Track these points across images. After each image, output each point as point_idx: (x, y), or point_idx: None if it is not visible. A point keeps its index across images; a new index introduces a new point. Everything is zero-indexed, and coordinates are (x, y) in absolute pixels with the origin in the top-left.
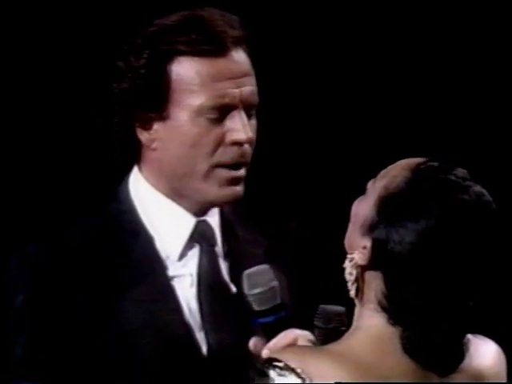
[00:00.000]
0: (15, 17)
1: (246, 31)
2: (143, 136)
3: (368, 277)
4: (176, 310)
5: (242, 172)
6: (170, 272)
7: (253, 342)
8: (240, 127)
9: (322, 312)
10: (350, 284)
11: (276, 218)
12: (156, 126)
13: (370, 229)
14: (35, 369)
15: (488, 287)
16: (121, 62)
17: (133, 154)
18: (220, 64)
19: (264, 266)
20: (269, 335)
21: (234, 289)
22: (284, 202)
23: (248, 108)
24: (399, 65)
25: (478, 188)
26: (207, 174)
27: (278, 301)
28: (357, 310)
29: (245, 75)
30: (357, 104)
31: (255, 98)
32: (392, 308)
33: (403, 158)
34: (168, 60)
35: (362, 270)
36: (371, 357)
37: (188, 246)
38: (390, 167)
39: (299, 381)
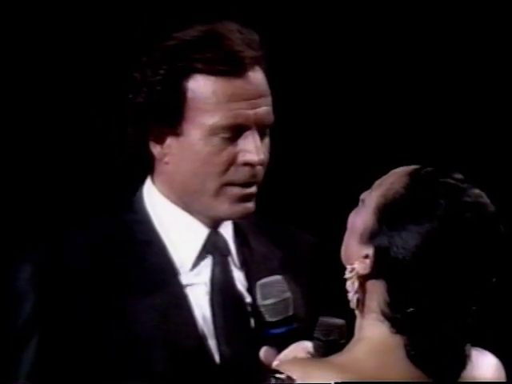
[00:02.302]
0: (26, 25)
1: (264, 50)
2: (156, 149)
3: (369, 286)
4: (189, 318)
5: (253, 189)
6: (184, 280)
7: (263, 352)
8: (253, 149)
9: (322, 324)
10: (351, 295)
11: (289, 230)
12: (169, 140)
13: (371, 237)
14: (46, 373)
15: (491, 291)
16: (137, 73)
17: (146, 165)
18: (236, 84)
19: (277, 277)
20: (280, 346)
21: (247, 298)
22: (297, 213)
23: (262, 128)
24: (395, 78)
25: (476, 190)
26: (218, 192)
27: (290, 312)
28: (358, 321)
29: (260, 96)
30: (356, 116)
31: (270, 119)
32: (395, 316)
33: (398, 166)
34: (184, 77)
35: (363, 279)
36: (374, 367)
37: (201, 256)
38: (384, 177)
39: None
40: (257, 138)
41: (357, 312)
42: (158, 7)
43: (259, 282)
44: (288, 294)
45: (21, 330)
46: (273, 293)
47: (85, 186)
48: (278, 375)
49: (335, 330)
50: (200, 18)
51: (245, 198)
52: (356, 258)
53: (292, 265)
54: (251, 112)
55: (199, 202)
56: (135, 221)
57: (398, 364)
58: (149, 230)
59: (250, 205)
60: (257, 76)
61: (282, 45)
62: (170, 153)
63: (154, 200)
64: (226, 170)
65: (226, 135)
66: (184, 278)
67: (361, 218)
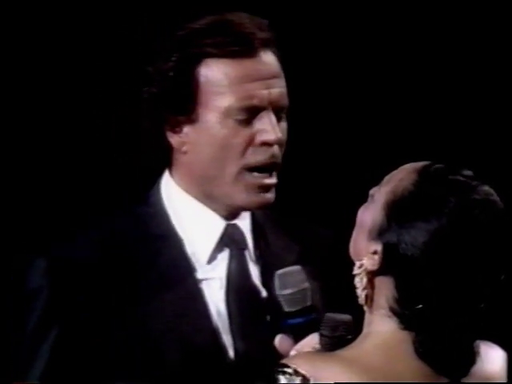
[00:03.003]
0: (32, 24)
1: (275, 34)
2: (173, 139)
3: (378, 282)
4: (204, 312)
5: (272, 179)
6: (199, 275)
7: (278, 340)
8: (269, 128)
9: (329, 320)
10: (359, 290)
11: (307, 224)
12: (186, 128)
13: (380, 233)
14: (61, 370)
15: (499, 288)
16: (150, 66)
17: (164, 158)
18: (248, 65)
19: (296, 267)
20: (298, 337)
21: (264, 293)
22: (315, 208)
23: (277, 110)
24: (398, 77)
25: (486, 187)
26: (237, 178)
27: (309, 303)
28: (367, 316)
29: (273, 77)
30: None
31: (285, 100)
32: (404, 313)
33: (407, 163)
34: (196, 63)
35: (372, 275)
36: (382, 361)
37: (217, 249)
38: (393, 173)
39: None
40: (272, 118)
41: (365, 308)
42: (169, 6)
43: (278, 272)
44: (306, 285)
45: (35, 325)
46: (291, 282)
47: (102, 182)
48: (285, 369)
49: (341, 326)
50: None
51: (263, 188)
52: (365, 253)
53: (309, 259)
54: (265, 92)
55: (218, 190)
56: (151, 214)
57: (406, 359)
58: (164, 224)
59: (269, 195)
60: (269, 57)
61: (285, 44)
62: (188, 141)
63: (172, 193)
64: (244, 151)
65: (242, 117)
66: (200, 273)
67: (370, 214)
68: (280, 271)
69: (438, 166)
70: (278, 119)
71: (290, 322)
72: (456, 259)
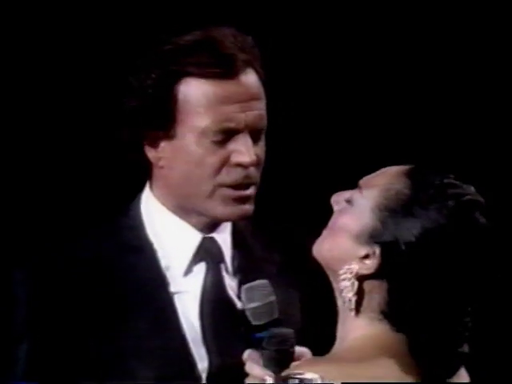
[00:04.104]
0: (25, 28)
1: (258, 53)
2: (151, 153)
3: (368, 286)
4: (176, 326)
5: (249, 191)
6: (174, 288)
7: (247, 355)
8: (244, 150)
9: (273, 335)
10: (350, 295)
11: (290, 231)
12: (163, 144)
13: (372, 237)
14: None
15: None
16: (132, 77)
17: (143, 171)
18: (228, 87)
19: (263, 281)
20: None
21: (239, 305)
22: (299, 217)
23: (254, 132)
24: (379, 80)
25: (472, 188)
26: (212, 193)
27: (275, 316)
28: (349, 322)
29: (252, 99)
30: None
31: (262, 123)
32: (396, 315)
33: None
34: (176, 80)
35: (362, 279)
36: (381, 363)
37: (193, 262)
38: (372, 177)
39: None
40: (248, 140)
41: (346, 312)
42: (159, 12)
43: (244, 286)
44: (272, 298)
45: (14, 333)
46: (257, 296)
47: (85, 195)
48: (300, 376)
49: (288, 340)
50: (198, 23)
51: (240, 200)
52: (352, 258)
53: (290, 268)
54: (242, 115)
55: (195, 205)
56: (129, 226)
57: (402, 359)
58: (141, 236)
59: (247, 207)
60: (249, 79)
61: (278, 45)
62: (164, 156)
63: (150, 206)
64: (219, 171)
65: (218, 138)
66: (175, 285)
67: (354, 219)
68: (246, 285)
69: (425, 169)
70: (255, 140)
71: (256, 335)
72: (455, 259)
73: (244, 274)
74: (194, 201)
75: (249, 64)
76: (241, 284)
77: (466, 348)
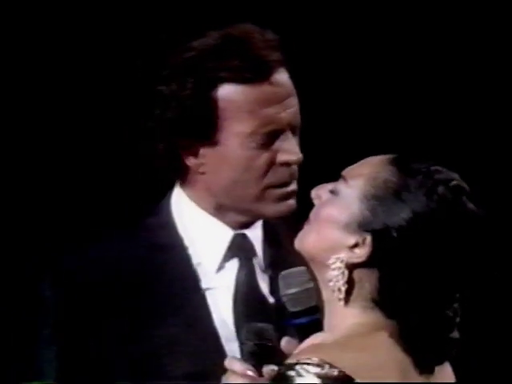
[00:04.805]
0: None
1: (285, 50)
2: (190, 161)
3: (359, 275)
4: (208, 322)
5: (293, 186)
6: (205, 285)
7: (285, 343)
8: (290, 149)
9: (252, 329)
10: (340, 285)
11: None
12: (203, 151)
13: (361, 226)
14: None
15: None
16: (163, 87)
17: (176, 176)
18: (265, 89)
19: (300, 268)
20: (302, 337)
21: (271, 300)
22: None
23: (294, 129)
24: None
25: (458, 176)
26: (260, 195)
27: (313, 303)
28: (338, 310)
29: (289, 96)
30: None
31: (299, 118)
32: (387, 303)
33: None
34: (212, 88)
35: (352, 268)
36: (378, 349)
37: (226, 258)
38: (356, 166)
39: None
40: (291, 138)
41: (337, 302)
42: (159, 12)
43: (282, 273)
44: (310, 285)
45: (41, 337)
46: (295, 282)
47: (114, 194)
48: (309, 361)
49: (268, 333)
50: (209, 24)
51: (287, 196)
52: (341, 248)
53: None
54: (283, 115)
55: (241, 206)
56: (159, 225)
57: (395, 346)
58: (172, 234)
59: (292, 201)
60: (283, 77)
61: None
62: (206, 163)
63: (181, 205)
64: (266, 172)
65: (263, 141)
66: (207, 282)
67: (341, 209)
68: (284, 272)
69: (409, 157)
70: (294, 136)
71: (294, 321)
72: (445, 242)
73: (276, 269)
74: (241, 203)
75: (280, 62)
76: (273, 279)
77: (456, 334)
